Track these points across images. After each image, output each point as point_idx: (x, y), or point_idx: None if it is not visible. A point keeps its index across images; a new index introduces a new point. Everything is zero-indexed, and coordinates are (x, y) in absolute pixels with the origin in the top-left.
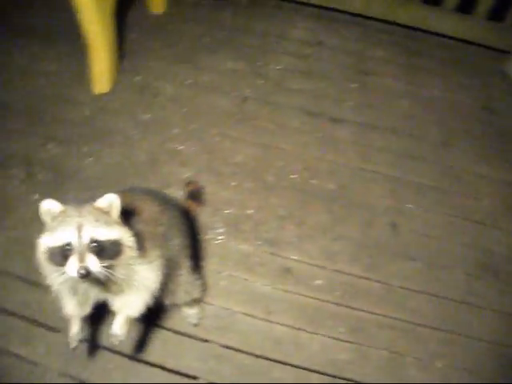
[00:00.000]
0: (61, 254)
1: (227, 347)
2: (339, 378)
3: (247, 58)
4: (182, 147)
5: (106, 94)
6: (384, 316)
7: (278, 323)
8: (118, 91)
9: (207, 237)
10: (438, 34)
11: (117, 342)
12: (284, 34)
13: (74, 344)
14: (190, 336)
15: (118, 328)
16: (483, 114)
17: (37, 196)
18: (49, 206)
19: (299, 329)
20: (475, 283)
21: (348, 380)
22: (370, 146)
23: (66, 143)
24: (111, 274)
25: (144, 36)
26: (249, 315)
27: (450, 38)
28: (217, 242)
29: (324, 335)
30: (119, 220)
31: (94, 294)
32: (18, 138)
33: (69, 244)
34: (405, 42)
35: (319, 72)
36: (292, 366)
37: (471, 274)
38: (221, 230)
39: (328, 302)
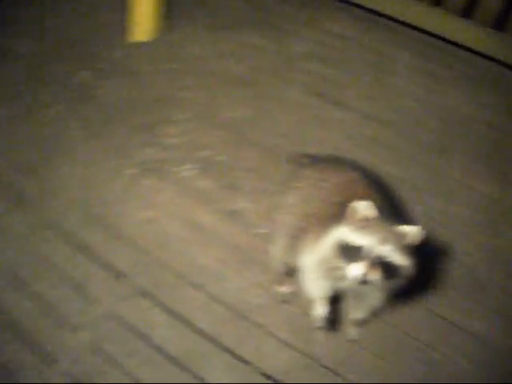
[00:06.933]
0: (350, 253)
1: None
2: (248, 319)
3: (273, 37)
4: (186, 95)
5: (141, 43)
6: None
7: (207, 253)
8: (151, 44)
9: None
10: (466, 49)
11: (351, 338)
12: (316, 23)
13: (320, 323)
14: None
15: (352, 328)
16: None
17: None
18: (363, 208)
19: (225, 264)
20: None
21: (254, 322)
22: (361, 133)
23: (95, 73)
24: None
25: (190, 3)
26: (183, 239)
27: (479, 54)
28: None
29: (245, 278)
30: (409, 249)
31: (345, 286)
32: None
33: (363, 249)
34: (431, 50)
35: (336, 60)
36: (205, 292)
37: None
38: (189, 166)
39: (263, 250)
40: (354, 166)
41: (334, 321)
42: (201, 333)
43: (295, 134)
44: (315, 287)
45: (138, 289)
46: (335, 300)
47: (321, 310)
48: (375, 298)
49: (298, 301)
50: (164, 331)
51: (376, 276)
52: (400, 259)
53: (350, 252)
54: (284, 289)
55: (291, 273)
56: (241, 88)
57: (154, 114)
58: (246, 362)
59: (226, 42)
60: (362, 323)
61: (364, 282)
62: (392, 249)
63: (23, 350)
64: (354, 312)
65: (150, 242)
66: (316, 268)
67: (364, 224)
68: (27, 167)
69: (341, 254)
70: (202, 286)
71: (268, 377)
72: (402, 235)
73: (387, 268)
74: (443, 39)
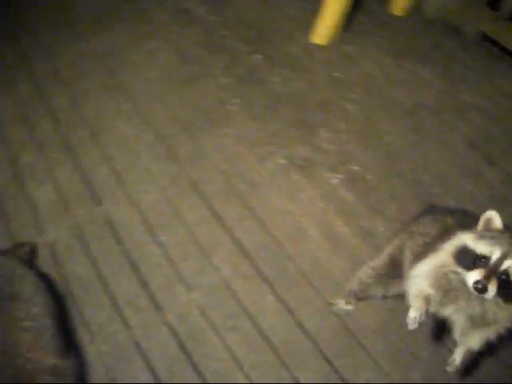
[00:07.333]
0: (470, 261)
1: None
2: (353, 335)
3: (445, 78)
4: (349, 107)
5: (317, 46)
6: None
7: (333, 262)
8: (327, 49)
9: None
10: None
11: (450, 370)
12: (489, 76)
13: (412, 326)
14: None
15: (458, 358)
16: None
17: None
18: (492, 217)
19: (348, 278)
20: None
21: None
22: (507, 198)
23: (267, 60)
24: (491, 306)
25: (371, 23)
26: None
27: None
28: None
29: None
30: None
31: (451, 309)
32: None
33: (484, 258)
34: None
35: (500, 119)
36: (322, 298)
37: None
38: (337, 175)
39: None
40: None
41: (437, 334)
42: (306, 334)
43: (442, 178)
44: (417, 290)
45: (259, 272)
46: (443, 326)
47: (417, 312)
48: (492, 326)
49: (406, 337)
50: (272, 320)
51: (492, 289)
52: None
53: (469, 259)
54: (346, 306)
55: (361, 297)
56: (402, 117)
57: (314, 115)
58: (340, 376)
59: (397, 68)
60: (471, 356)
61: (480, 290)
62: None
63: (136, 290)
64: (466, 340)
65: (282, 232)
66: (428, 274)
67: (491, 234)
68: (185, 126)
69: (460, 260)
70: (320, 291)
71: None
72: None
73: (506, 285)
74: None
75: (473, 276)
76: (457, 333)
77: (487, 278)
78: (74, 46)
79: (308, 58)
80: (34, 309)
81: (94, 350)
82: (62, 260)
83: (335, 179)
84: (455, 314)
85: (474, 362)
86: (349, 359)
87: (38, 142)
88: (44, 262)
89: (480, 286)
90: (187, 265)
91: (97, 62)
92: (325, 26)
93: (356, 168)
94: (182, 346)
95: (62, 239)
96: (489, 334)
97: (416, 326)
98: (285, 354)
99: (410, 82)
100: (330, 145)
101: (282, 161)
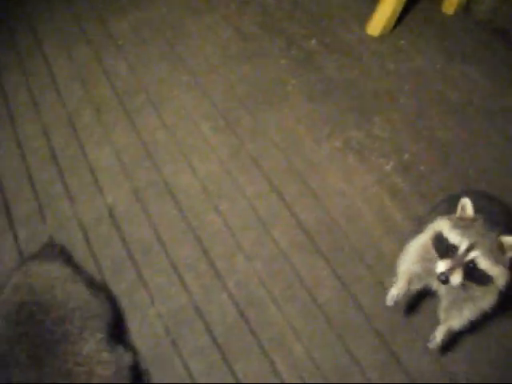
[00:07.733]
0: (444, 248)
1: None
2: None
3: (495, 79)
4: (401, 99)
5: (371, 37)
6: None
7: (388, 244)
8: (380, 41)
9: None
10: None
11: (431, 347)
12: None
13: (390, 303)
14: None
15: (438, 336)
16: None
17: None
18: (464, 205)
19: None
20: None
21: (408, 319)
22: None
23: (322, 45)
24: (464, 290)
25: (423, 20)
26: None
27: None
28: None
29: None
30: (507, 260)
31: (436, 286)
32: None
33: (454, 248)
34: None
35: None
36: (375, 275)
37: None
38: (391, 163)
39: None
40: None
41: (410, 308)
42: (359, 308)
43: (487, 174)
44: (405, 267)
45: (316, 247)
46: (423, 295)
47: (397, 290)
48: (470, 306)
49: None
50: (328, 293)
51: (457, 278)
52: (490, 268)
53: (443, 247)
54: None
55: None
56: (451, 112)
57: (368, 103)
58: (392, 352)
59: (447, 66)
60: (452, 336)
61: (443, 281)
62: (481, 255)
63: (197, 256)
64: (448, 318)
65: (338, 211)
66: (415, 252)
67: (463, 223)
68: (243, 101)
69: (436, 246)
70: (373, 268)
71: (407, 373)
72: (505, 245)
73: (473, 272)
74: None
75: (440, 266)
76: (441, 310)
77: (452, 269)
78: (130, 14)
79: (362, 48)
80: (86, 347)
81: (153, 312)
82: (121, 222)
83: (388, 166)
84: (439, 287)
85: (452, 339)
86: (399, 335)
87: (95, 104)
88: (103, 224)
89: (443, 278)
90: (247, 235)
91: (154, 31)
92: (380, 19)
93: (409, 157)
94: (240, 313)
95: (121, 202)
96: (468, 314)
97: (392, 303)
98: (339, 327)
99: (458, 80)
100: (384, 132)
101: (339, 144)
